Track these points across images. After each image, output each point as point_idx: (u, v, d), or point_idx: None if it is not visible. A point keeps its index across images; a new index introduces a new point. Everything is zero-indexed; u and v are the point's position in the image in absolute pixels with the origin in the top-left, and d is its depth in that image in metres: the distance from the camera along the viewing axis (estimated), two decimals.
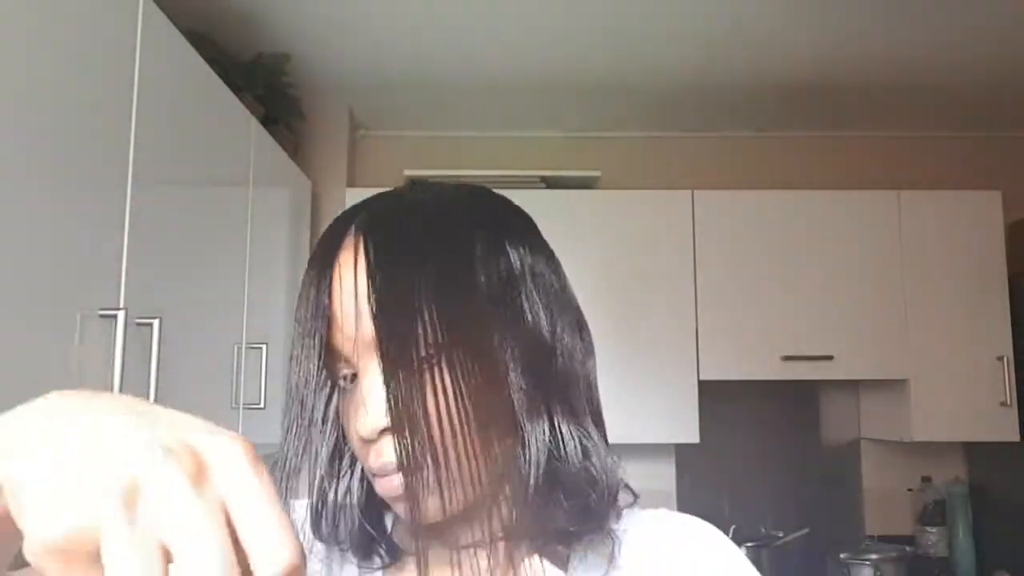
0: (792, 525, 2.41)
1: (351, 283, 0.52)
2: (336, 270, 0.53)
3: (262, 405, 1.79)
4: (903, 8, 1.94)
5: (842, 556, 2.31)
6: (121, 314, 1.06)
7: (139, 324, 1.13)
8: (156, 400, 1.15)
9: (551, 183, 2.44)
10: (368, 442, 0.52)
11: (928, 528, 2.47)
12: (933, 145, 2.76)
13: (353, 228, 0.55)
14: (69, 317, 0.99)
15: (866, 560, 2.27)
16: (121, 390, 1.06)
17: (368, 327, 0.52)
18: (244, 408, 1.71)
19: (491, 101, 2.51)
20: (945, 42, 2.12)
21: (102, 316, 1.05)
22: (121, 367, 1.05)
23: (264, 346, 1.81)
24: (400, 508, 0.52)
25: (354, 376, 0.54)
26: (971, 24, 2.01)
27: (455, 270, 0.53)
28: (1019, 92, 2.43)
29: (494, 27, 2.04)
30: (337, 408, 0.57)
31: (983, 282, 2.38)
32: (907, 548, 2.38)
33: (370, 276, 0.52)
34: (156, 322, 1.16)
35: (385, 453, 0.51)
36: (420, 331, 0.50)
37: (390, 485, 0.52)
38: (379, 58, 2.22)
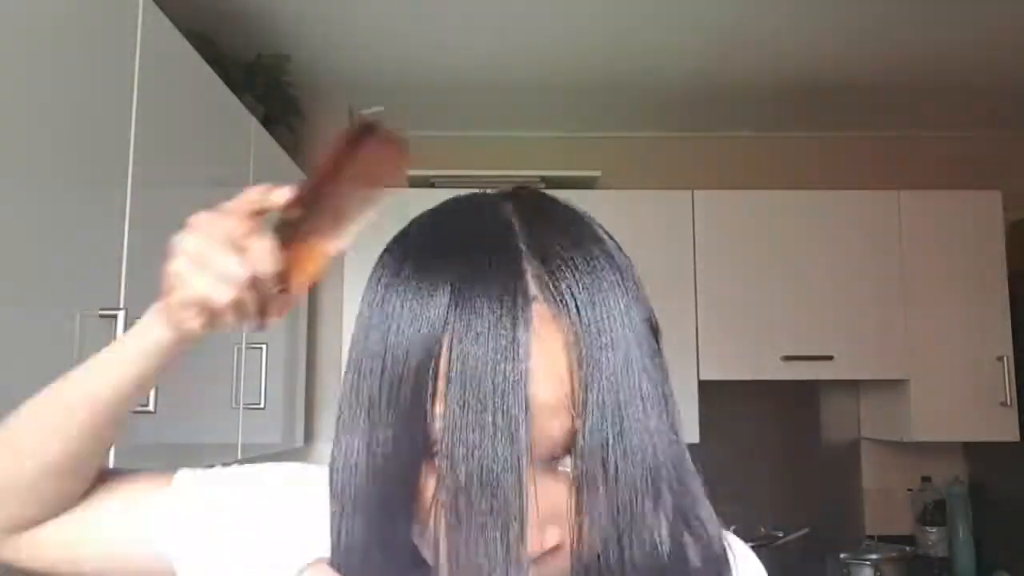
0: (792, 525, 2.41)
1: (552, 364, 0.42)
2: (530, 334, 0.41)
3: (262, 405, 1.79)
4: (903, 8, 1.94)
5: (842, 556, 2.31)
6: (121, 314, 1.06)
7: None
8: (156, 400, 1.15)
9: (551, 183, 2.44)
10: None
11: (928, 528, 2.47)
12: (933, 145, 2.76)
13: (532, 276, 0.43)
14: (69, 317, 0.99)
15: (866, 560, 2.27)
16: None
17: (559, 426, 0.42)
18: (244, 408, 1.72)
19: (491, 101, 2.51)
20: (946, 42, 2.12)
21: (102, 316, 1.05)
22: None
23: (264, 346, 1.82)
24: None
25: None
26: (971, 24, 2.01)
27: (650, 350, 0.46)
28: (1019, 92, 2.43)
29: (494, 27, 2.04)
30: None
31: (983, 282, 2.38)
32: (907, 548, 2.38)
33: (584, 368, 0.42)
34: None
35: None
36: (622, 445, 0.42)
37: None
38: (379, 58, 2.22)
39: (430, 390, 0.42)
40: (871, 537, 2.54)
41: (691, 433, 2.29)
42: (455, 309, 0.42)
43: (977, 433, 2.35)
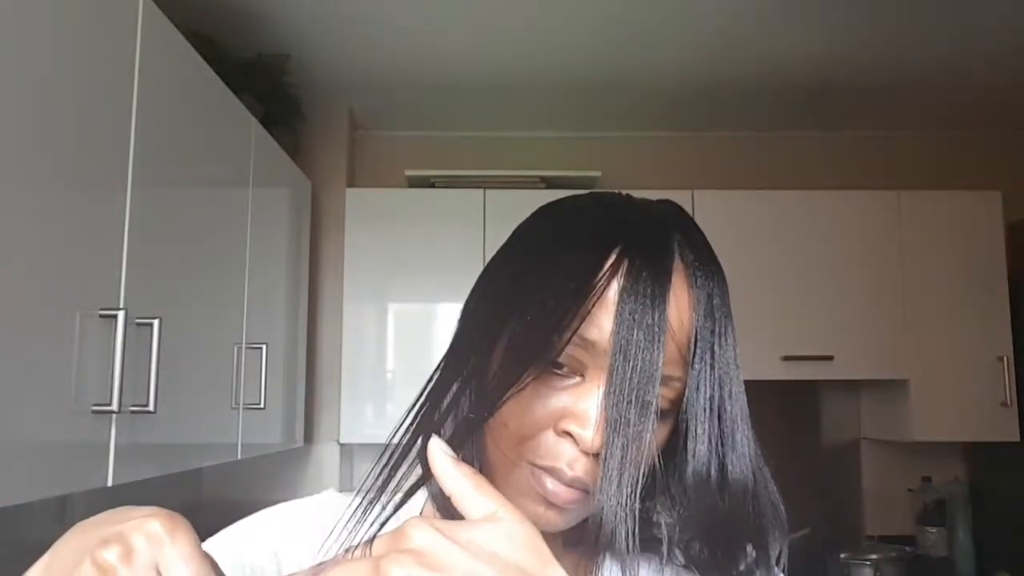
0: (792, 525, 2.41)
1: (686, 314, 0.53)
2: (671, 293, 0.52)
3: (262, 405, 1.79)
4: (903, 8, 1.94)
5: (842, 556, 2.31)
6: (121, 314, 1.06)
7: (139, 324, 1.13)
8: (156, 400, 1.16)
9: (551, 183, 2.44)
10: (564, 443, 0.52)
11: (928, 528, 2.47)
12: (933, 145, 2.76)
13: (680, 257, 0.55)
14: (69, 317, 0.99)
15: (866, 560, 2.28)
16: (121, 390, 1.06)
17: (679, 357, 0.53)
18: (244, 408, 1.72)
19: (491, 101, 2.51)
20: (945, 42, 2.12)
21: (102, 316, 1.05)
22: (121, 367, 1.05)
23: (264, 346, 1.82)
24: (533, 508, 0.52)
25: (581, 376, 0.53)
26: (971, 24, 2.01)
27: (728, 309, 0.57)
28: (1019, 92, 2.43)
29: (494, 27, 2.04)
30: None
31: (983, 282, 2.38)
32: (907, 548, 2.38)
33: (704, 322, 0.54)
34: (156, 322, 1.16)
35: (578, 468, 0.51)
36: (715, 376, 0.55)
37: (565, 495, 0.52)
38: (379, 58, 2.22)
39: (587, 305, 0.51)
40: (871, 537, 2.54)
41: None
42: (622, 255, 0.52)
43: (977, 433, 2.35)
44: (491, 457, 0.55)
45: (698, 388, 0.53)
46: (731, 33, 2.07)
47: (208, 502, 2.31)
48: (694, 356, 0.53)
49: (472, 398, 0.53)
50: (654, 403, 0.50)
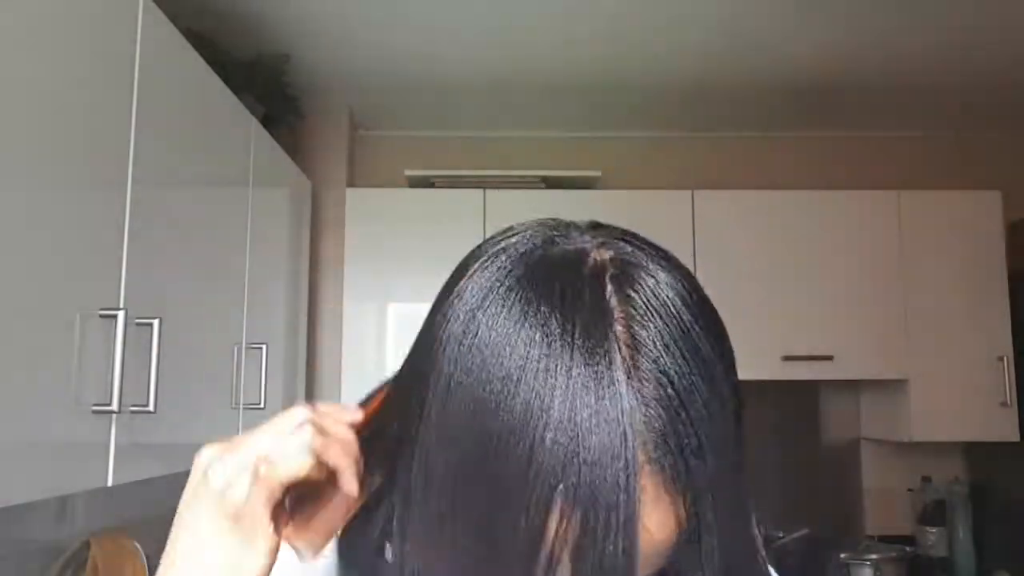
0: (792, 525, 2.41)
1: (665, 529, 0.42)
2: (640, 509, 0.40)
3: (262, 405, 1.79)
4: (903, 8, 1.94)
5: (842, 556, 2.31)
6: (121, 314, 1.06)
7: (139, 324, 1.13)
8: (156, 400, 1.16)
9: (551, 183, 2.44)
10: None
11: (928, 528, 2.47)
12: (933, 145, 2.76)
13: (640, 437, 0.41)
14: (69, 317, 0.99)
15: (866, 560, 2.27)
16: (121, 390, 1.06)
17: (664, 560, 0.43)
18: (244, 408, 1.72)
19: (491, 101, 2.51)
20: (945, 42, 2.12)
21: (102, 316, 1.05)
22: (121, 367, 1.05)
23: (264, 346, 1.82)
24: None
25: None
26: (971, 24, 2.01)
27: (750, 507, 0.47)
28: (1019, 92, 2.43)
29: (494, 27, 2.04)
30: None
31: (983, 282, 2.38)
32: (907, 548, 2.38)
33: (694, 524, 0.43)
34: (156, 322, 1.16)
35: None
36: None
37: None
38: (379, 58, 2.22)
39: (538, 543, 0.40)
40: (871, 537, 2.54)
41: None
42: (574, 505, 0.40)
43: (977, 433, 2.35)
44: None
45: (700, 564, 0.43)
46: (731, 33, 2.07)
47: None
48: (686, 539, 0.43)
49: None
50: None
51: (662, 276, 0.45)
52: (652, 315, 0.43)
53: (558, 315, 0.42)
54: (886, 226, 2.40)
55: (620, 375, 0.41)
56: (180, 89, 1.39)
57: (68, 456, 1.00)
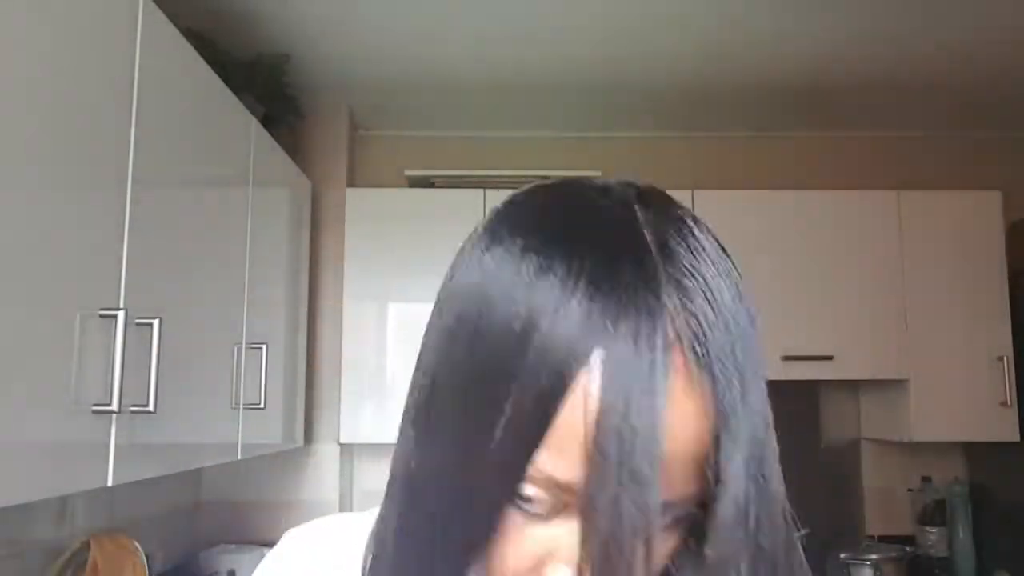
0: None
1: (693, 419, 0.38)
2: (670, 387, 0.37)
3: (262, 405, 1.79)
4: (903, 8, 1.94)
5: (842, 556, 2.31)
6: (121, 314, 1.06)
7: (139, 324, 1.13)
8: (156, 400, 1.16)
9: None
10: None
11: (928, 528, 2.47)
12: (933, 145, 2.76)
13: (669, 313, 0.38)
14: (69, 317, 0.99)
15: (866, 560, 2.27)
16: (121, 390, 1.06)
17: (692, 484, 0.39)
18: (244, 408, 1.72)
19: (491, 101, 2.51)
20: (945, 42, 2.12)
21: (102, 316, 1.05)
22: (121, 367, 1.05)
23: (264, 346, 1.82)
24: None
25: (554, 509, 0.40)
26: (971, 24, 2.01)
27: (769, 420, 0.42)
28: (1019, 92, 2.43)
29: (494, 27, 2.04)
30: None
31: (983, 282, 2.38)
32: (907, 548, 2.38)
33: (722, 422, 0.39)
34: (156, 322, 1.16)
35: None
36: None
37: None
38: (379, 58, 2.22)
39: (541, 430, 0.38)
40: (871, 537, 2.54)
41: None
42: (587, 341, 0.37)
43: (977, 433, 2.35)
44: None
45: (727, 501, 0.39)
46: (731, 33, 2.07)
47: (208, 502, 2.31)
48: (715, 459, 0.39)
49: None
50: (653, 535, 0.37)
51: (687, 212, 0.46)
52: (681, 231, 0.43)
53: (584, 222, 0.41)
54: (886, 226, 2.40)
55: (657, 268, 0.39)
56: (180, 89, 1.39)
57: (68, 456, 1.00)
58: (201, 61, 1.47)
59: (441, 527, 0.41)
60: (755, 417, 0.40)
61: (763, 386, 0.41)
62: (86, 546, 1.50)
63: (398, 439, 0.46)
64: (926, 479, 2.53)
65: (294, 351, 2.19)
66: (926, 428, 2.34)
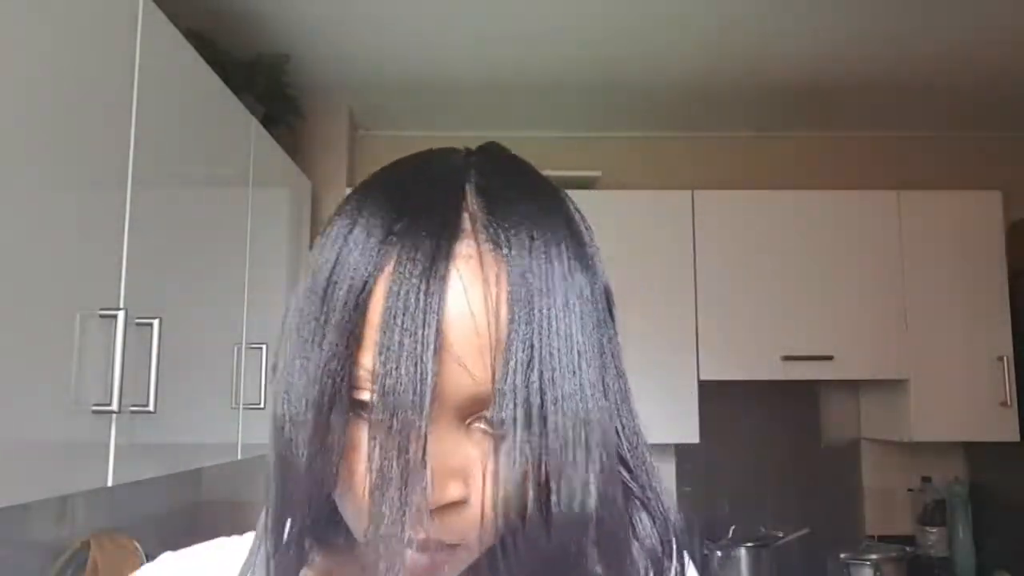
0: (792, 525, 2.41)
1: (479, 301, 0.40)
2: (454, 269, 0.40)
3: (262, 405, 1.79)
4: (903, 8, 1.94)
5: (842, 556, 2.31)
6: (121, 314, 1.06)
7: (139, 324, 1.13)
8: (156, 400, 1.15)
9: None
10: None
11: (928, 528, 2.47)
12: (933, 145, 2.76)
13: (469, 214, 0.42)
14: (69, 317, 0.99)
15: (866, 560, 2.28)
16: (121, 390, 1.06)
17: (481, 365, 0.40)
18: (244, 408, 1.72)
19: (491, 101, 2.51)
20: (945, 42, 2.12)
21: (102, 316, 1.05)
22: (121, 367, 1.05)
23: (264, 346, 1.81)
24: None
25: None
26: (971, 24, 2.01)
27: (594, 315, 0.43)
28: (1019, 92, 2.43)
29: (494, 27, 2.04)
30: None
31: (983, 282, 2.38)
32: (907, 548, 2.38)
33: (512, 309, 0.40)
34: (156, 322, 1.16)
35: (435, 528, 0.40)
36: (548, 392, 0.39)
37: (421, 564, 0.41)
38: (379, 58, 2.22)
39: (355, 332, 0.40)
40: (871, 537, 2.54)
41: (691, 433, 2.29)
42: (386, 247, 0.41)
43: (977, 433, 2.35)
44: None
45: (511, 405, 0.39)
46: (731, 33, 2.07)
47: (208, 502, 2.31)
48: (505, 366, 0.39)
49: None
50: (422, 453, 0.38)
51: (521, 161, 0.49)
52: (499, 167, 0.46)
53: (413, 169, 0.47)
54: (886, 226, 2.40)
55: (464, 190, 0.43)
56: (180, 89, 1.39)
57: (68, 456, 1.00)
58: (201, 61, 1.47)
59: (305, 457, 0.42)
60: (547, 302, 0.40)
61: (568, 282, 0.42)
62: (86, 546, 1.50)
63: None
64: (926, 479, 2.53)
65: None
66: (926, 428, 2.34)
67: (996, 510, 2.45)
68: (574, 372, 0.40)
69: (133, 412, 1.13)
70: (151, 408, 1.15)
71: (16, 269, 0.90)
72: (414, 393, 0.38)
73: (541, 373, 0.39)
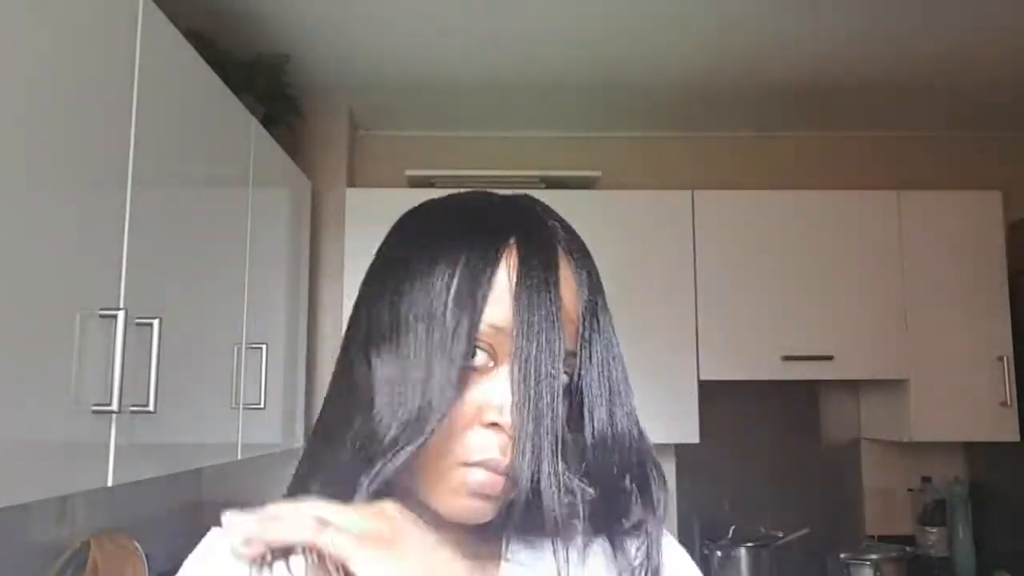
0: (792, 525, 2.41)
1: (572, 285, 0.59)
2: (560, 271, 0.58)
3: (262, 405, 1.79)
4: (903, 8, 1.94)
5: (842, 556, 2.31)
6: (121, 314, 1.06)
7: (139, 324, 1.13)
8: (156, 400, 1.16)
9: (551, 183, 2.44)
10: (490, 434, 0.54)
11: (928, 528, 2.47)
12: (933, 145, 2.76)
13: (558, 236, 0.61)
14: (69, 317, 0.99)
15: (866, 560, 2.28)
16: (121, 390, 1.06)
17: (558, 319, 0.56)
18: (244, 408, 1.72)
19: (491, 101, 2.51)
20: (945, 42, 2.12)
21: (102, 316, 1.05)
22: (121, 367, 1.05)
23: (264, 346, 1.81)
24: (470, 503, 0.55)
25: (493, 363, 0.56)
26: (971, 24, 2.01)
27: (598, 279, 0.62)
28: (1019, 92, 2.43)
29: (494, 27, 2.04)
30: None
31: (983, 282, 2.38)
32: (907, 548, 2.38)
33: (582, 292, 0.60)
34: (156, 322, 1.16)
35: (508, 455, 0.53)
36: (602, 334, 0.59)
37: (499, 485, 0.54)
38: (379, 58, 2.22)
39: (489, 295, 0.55)
40: (871, 537, 2.54)
41: (691, 433, 2.29)
42: (519, 242, 0.57)
43: (977, 433, 2.35)
44: (416, 464, 0.54)
45: (591, 358, 0.58)
46: (731, 33, 2.07)
47: (208, 502, 2.31)
48: (586, 330, 0.58)
49: (386, 421, 0.54)
50: (559, 378, 0.54)
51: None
52: (547, 210, 0.64)
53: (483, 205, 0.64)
54: (886, 226, 2.40)
55: (547, 215, 0.64)
56: (180, 89, 1.39)
57: (68, 456, 1.00)
58: (201, 61, 1.47)
59: (410, 408, 0.53)
60: (597, 298, 0.61)
61: (600, 290, 0.62)
62: (86, 546, 1.50)
63: (343, 365, 0.62)
64: (926, 479, 2.53)
65: (294, 351, 2.19)
66: (926, 428, 2.34)
67: (996, 510, 2.45)
68: (616, 341, 0.61)
69: (133, 412, 1.13)
70: (151, 408, 1.15)
71: (16, 269, 0.90)
72: (551, 341, 0.54)
73: (606, 340, 0.60)
